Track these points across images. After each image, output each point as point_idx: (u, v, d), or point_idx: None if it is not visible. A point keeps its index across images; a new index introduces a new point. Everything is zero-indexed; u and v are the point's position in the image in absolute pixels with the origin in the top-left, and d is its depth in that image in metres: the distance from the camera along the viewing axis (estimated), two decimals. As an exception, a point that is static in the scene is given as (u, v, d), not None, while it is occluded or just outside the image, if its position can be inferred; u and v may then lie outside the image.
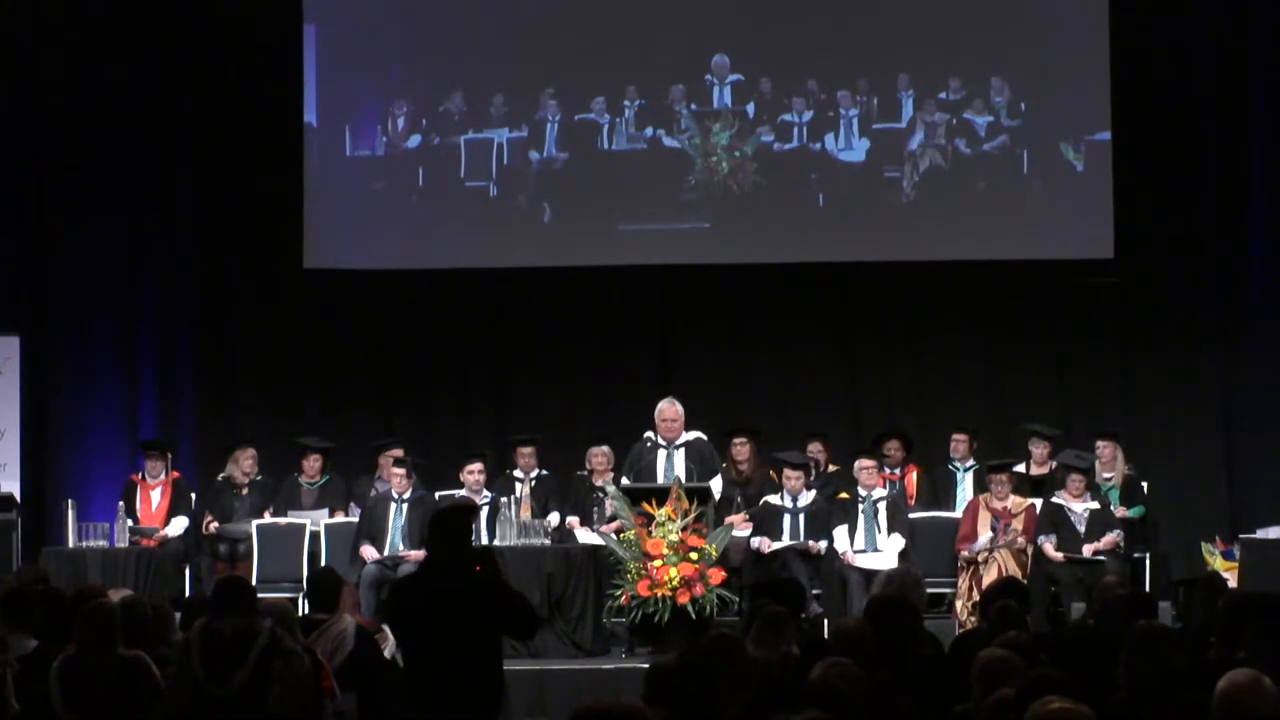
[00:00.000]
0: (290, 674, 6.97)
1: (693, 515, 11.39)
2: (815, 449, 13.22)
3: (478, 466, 12.36)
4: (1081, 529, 12.04)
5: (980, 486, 12.82)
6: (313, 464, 13.18)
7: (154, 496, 12.93)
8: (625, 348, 14.84)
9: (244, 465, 13.12)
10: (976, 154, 14.58)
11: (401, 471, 12.35)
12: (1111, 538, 12.02)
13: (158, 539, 12.70)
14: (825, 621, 11.53)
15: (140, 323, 14.84)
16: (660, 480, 11.99)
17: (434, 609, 6.61)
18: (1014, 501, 12.24)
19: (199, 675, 6.91)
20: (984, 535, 12.08)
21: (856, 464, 12.42)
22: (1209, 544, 12.78)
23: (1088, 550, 11.91)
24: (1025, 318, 14.72)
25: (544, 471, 12.98)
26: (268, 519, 12.89)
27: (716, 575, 11.36)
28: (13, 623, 7.50)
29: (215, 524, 12.92)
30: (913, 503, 12.91)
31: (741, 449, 12.89)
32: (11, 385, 14.13)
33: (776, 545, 11.99)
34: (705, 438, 12.44)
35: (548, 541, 11.98)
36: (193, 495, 13.24)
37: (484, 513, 12.20)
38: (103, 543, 12.46)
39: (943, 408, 14.32)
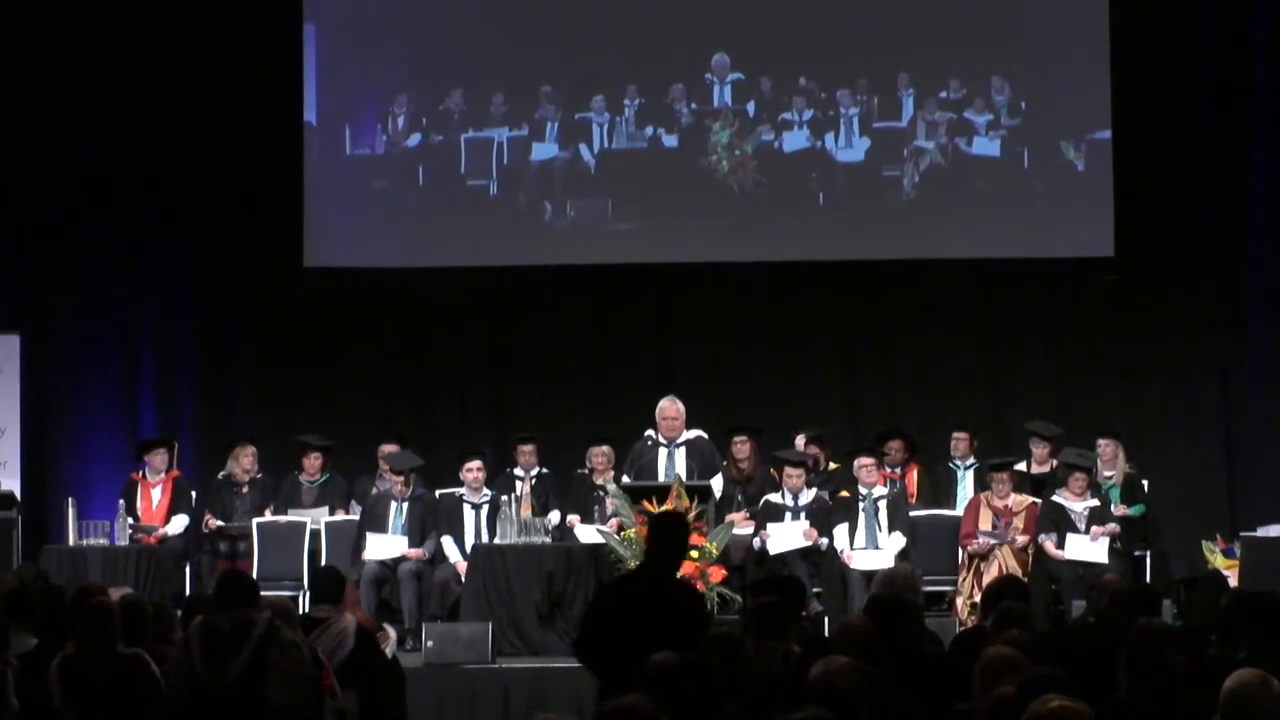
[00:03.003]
0: (287, 663, 6.98)
1: (693, 513, 11.39)
2: (801, 442, 13.17)
3: (477, 464, 12.36)
4: (1082, 527, 12.05)
5: (981, 485, 12.83)
6: (313, 462, 13.19)
7: (154, 494, 12.94)
8: (625, 347, 14.83)
9: (244, 463, 13.13)
10: (977, 153, 14.57)
11: (400, 478, 12.35)
12: (1110, 526, 12.05)
13: (158, 537, 12.70)
14: (826, 620, 11.54)
15: (140, 322, 14.84)
16: (661, 479, 11.99)
17: (639, 607, 6.74)
18: (1015, 500, 12.26)
19: (198, 667, 6.92)
20: (985, 528, 12.10)
21: (856, 462, 12.43)
22: (1209, 542, 12.78)
23: (1090, 535, 11.91)
24: (1025, 317, 14.71)
25: (544, 470, 12.98)
26: (268, 517, 12.90)
27: (717, 574, 11.36)
28: (13, 621, 7.51)
29: (215, 522, 12.92)
30: (913, 501, 12.91)
31: (742, 447, 12.89)
32: (11, 384, 14.13)
33: (778, 549, 11.98)
34: (706, 436, 12.45)
35: (548, 540, 11.97)
36: (193, 493, 13.25)
37: (484, 510, 12.22)
38: (103, 541, 12.45)
39: (943, 406, 14.32)
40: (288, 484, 13.22)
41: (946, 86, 14.58)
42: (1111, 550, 11.97)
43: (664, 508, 11.31)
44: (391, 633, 9.78)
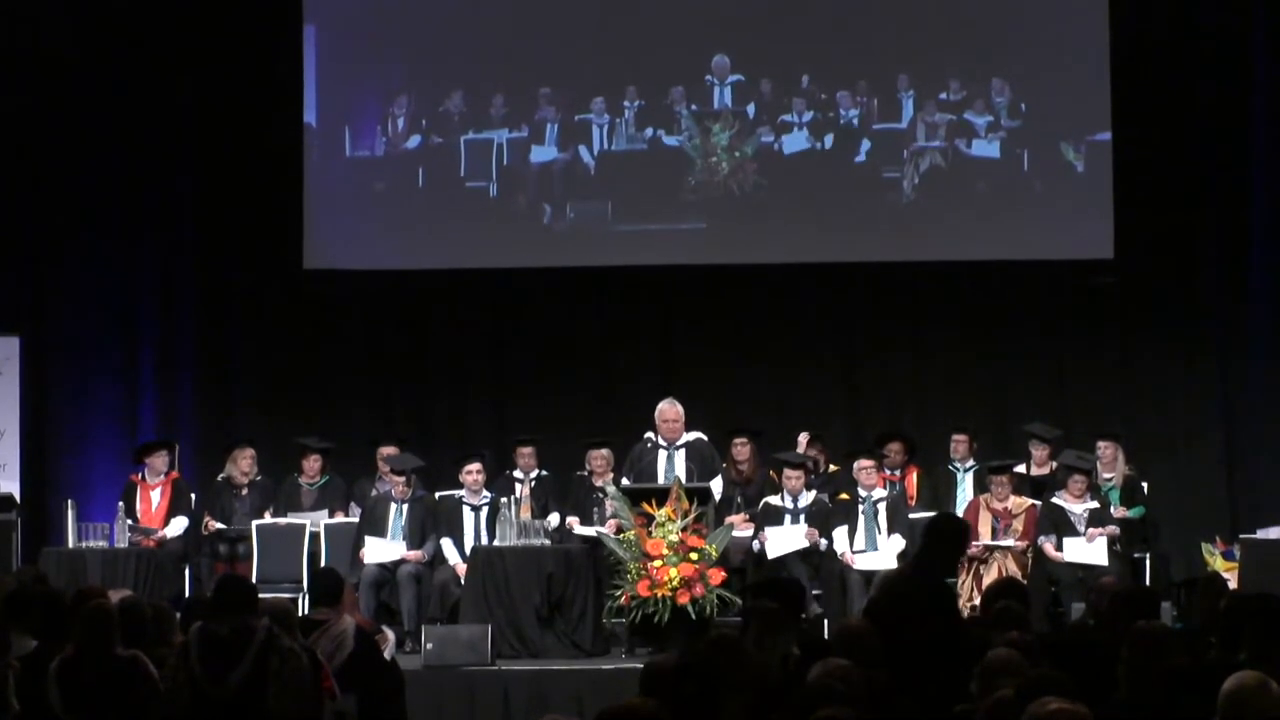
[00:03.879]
0: (287, 671, 6.97)
1: (693, 515, 11.39)
2: (804, 441, 13.16)
3: (476, 466, 12.36)
4: (1081, 529, 12.05)
5: (980, 487, 12.84)
6: (312, 464, 13.18)
7: (154, 497, 12.93)
8: (625, 348, 14.83)
9: (242, 465, 13.11)
10: (977, 154, 14.56)
11: (401, 480, 12.35)
12: (1109, 528, 12.06)
13: (157, 539, 12.70)
14: (825, 622, 11.54)
15: (140, 323, 14.84)
16: (661, 481, 11.99)
17: (920, 603, 7.03)
18: (1014, 502, 12.26)
19: (197, 675, 6.91)
20: (986, 534, 12.11)
21: (856, 464, 12.43)
22: (1209, 544, 12.78)
23: (1089, 536, 11.92)
24: (1025, 318, 14.71)
25: (544, 471, 12.97)
26: (267, 519, 12.89)
27: (716, 575, 11.35)
28: (13, 624, 7.51)
29: (215, 525, 12.90)
30: (913, 503, 12.91)
31: (742, 449, 12.89)
32: (11, 385, 14.13)
33: (776, 553, 11.99)
34: (705, 438, 12.45)
35: (547, 542, 11.96)
36: (192, 496, 13.24)
37: (483, 513, 12.21)
38: (102, 543, 12.45)
39: (943, 408, 14.33)
40: (287, 486, 13.21)
41: (946, 88, 14.58)
42: (1111, 552, 11.97)
43: (663, 510, 11.34)
44: (390, 635, 9.77)
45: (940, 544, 7.42)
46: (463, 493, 12.38)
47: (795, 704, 5.71)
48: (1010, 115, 14.56)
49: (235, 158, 14.71)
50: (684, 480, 11.89)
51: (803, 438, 13.17)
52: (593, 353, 14.84)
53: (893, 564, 11.61)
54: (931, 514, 12.70)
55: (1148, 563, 12.64)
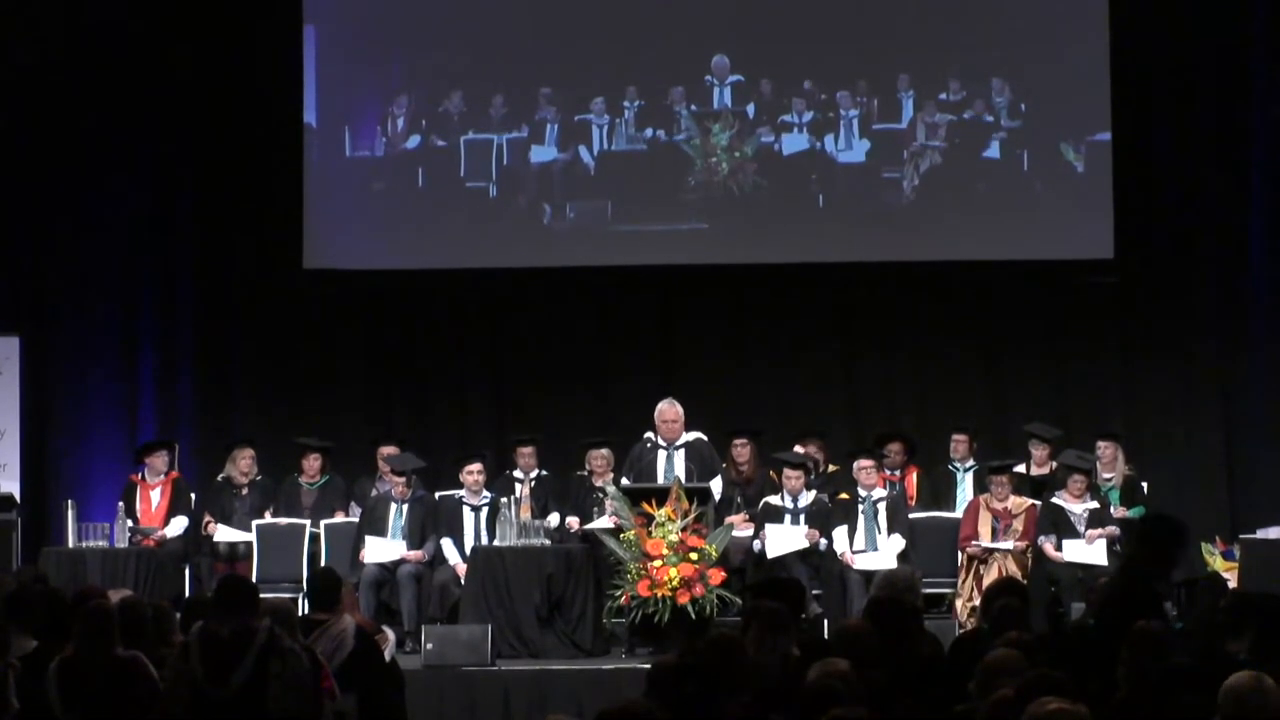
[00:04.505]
0: (288, 673, 6.97)
1: (692, 515, 11.39)
2: (810, 449, 13.17)
3: (477, 467, 12.36)
4: (1081, 529, 12.05)
5: (980, 487, 12.83)
6: (312, 464, 13.18)
7: (154, 496, 12.93)
8: (625, 348, 14.83)
9: (241, 465, 13.10)
10: (977, 154, 14.56)
11: (401, 480, 12.35)
12: (1109, 529, 12.06)
13: (157, 539, 12.69)
14: (825, 622, 11.54)
15: (140, 323, 14.84)
16: (660, 481, 11.99)
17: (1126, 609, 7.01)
18: (1014, 502, 12.26)
19: (198, 676, 6.91)
20: (986, 534, 12.11)
21: (856, 464, 12.43)
22: (1209, 544, 12.78)
23: (1088, 538, 11.92)
24: (1025, 318, 14.71)
25: (544, 472, 12.97)
26: (268, 519, 12.89)
27: (716, 575, 11.36)
28: (13, 624, 7.51)
29: (214, 525, 12.89)
30: (913, 503, 12.91)
31: (742, 450, 12.89)
32: (11, 385, 14.13)
33: (775, 553, 11.99)
34: (705, 438, 12.45)
35: (547, 542, 11.97)
36: (192, 495, 13.24)
37: (483, 513, 12.21)
38: (102, 543, 12.46)
39: (943, 408, 14.32)
40: (287, 486, 13.21)
41: (946, 88, 14.58)
42: (1111, 552, 11.97)
43: (663, 510, 11.34)
44: (390, 635, 9.77)
45: (1145, 547, 7.38)
46: (463, 493, 12.39)
47: (795, 704, 5.72)
48: (1010, 115, 14.56)
49: (235, 158, 14.71)
50: (684, 480, 11.89)
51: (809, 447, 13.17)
52: (593, 353, 14.83)
53: (893, 564, 11.60)
54: (932, 513, 12.79)
55: (1148, 563, 12.61)
